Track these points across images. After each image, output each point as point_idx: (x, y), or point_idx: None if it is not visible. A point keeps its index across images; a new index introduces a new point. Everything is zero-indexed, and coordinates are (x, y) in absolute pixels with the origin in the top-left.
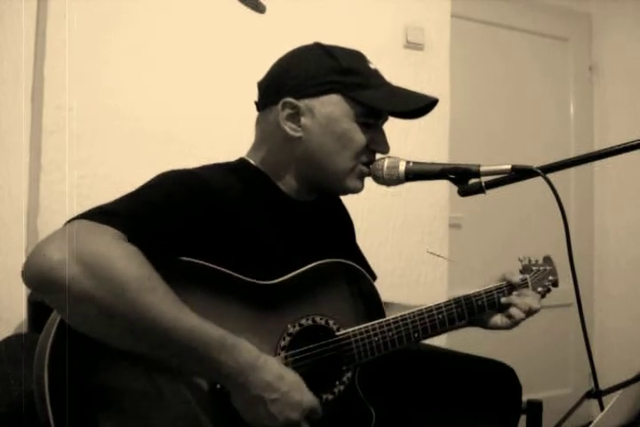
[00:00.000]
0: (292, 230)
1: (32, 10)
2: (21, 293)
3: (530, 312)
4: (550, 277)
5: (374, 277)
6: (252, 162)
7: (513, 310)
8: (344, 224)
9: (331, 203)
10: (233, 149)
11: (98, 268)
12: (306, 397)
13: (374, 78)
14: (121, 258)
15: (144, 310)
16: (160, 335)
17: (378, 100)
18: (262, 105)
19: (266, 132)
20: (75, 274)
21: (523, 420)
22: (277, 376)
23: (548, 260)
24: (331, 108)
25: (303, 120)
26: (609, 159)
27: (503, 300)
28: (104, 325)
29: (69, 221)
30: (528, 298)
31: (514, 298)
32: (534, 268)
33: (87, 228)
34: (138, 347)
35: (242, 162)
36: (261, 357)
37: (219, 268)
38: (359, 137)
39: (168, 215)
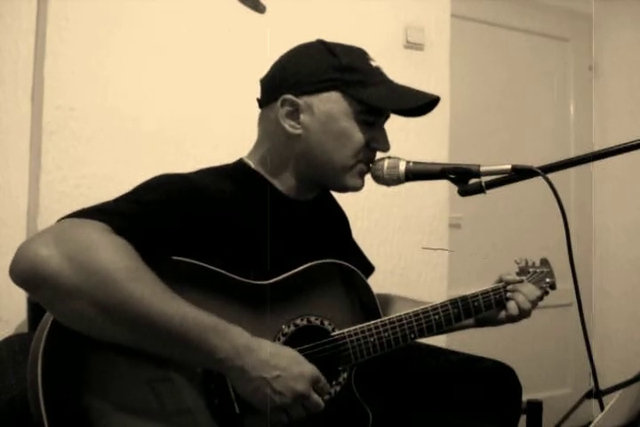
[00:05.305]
0: (288, 231)
1: (32, 10)
2: (21, 293)
3: (536, 300)
4: (547, 280)
5: (372, 269)
6: (249, 163)
7: (519, 297)
8: (339, 221)
9: (326, 200)
10: (233, 149)
11: (84, 261)
12: (306, 367)
13: (375, 76)
14: (107, 249)
15: (134, 300)
16: (153, 324)
17: (377, 98)
18: (264, 102)
19: (267, 129)
20: (61, 268)
21: (523, 420)
22: (273, 354)
23: (545, 262)
24: (330, 105)
25: (302, 117)
26: (609, 159)
27: (509, 287)
28: (94, 318)
29: (59, 220)
30: (532, 286)
31: (519, 286)
32: (531, 270)
33: (74, 223)
34: (131, 339)
35: (239, 164)
36: (254, 339)
37: (212, 267)
38: (358, 135)
39: (157, 214)
